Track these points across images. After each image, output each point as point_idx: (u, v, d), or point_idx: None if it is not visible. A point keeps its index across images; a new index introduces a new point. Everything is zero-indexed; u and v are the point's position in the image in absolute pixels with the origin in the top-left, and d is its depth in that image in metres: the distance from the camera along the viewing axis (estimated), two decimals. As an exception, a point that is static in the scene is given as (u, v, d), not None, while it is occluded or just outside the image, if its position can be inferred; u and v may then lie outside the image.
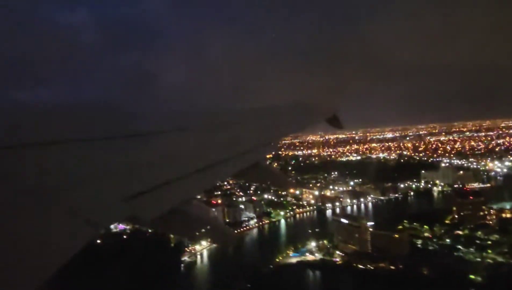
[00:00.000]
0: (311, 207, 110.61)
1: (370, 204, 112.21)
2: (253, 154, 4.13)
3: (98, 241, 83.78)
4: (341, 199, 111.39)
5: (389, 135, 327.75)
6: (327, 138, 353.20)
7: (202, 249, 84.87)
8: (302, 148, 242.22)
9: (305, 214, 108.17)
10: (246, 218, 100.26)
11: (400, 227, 78.56)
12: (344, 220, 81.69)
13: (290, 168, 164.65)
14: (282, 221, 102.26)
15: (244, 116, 5.62)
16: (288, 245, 79.73)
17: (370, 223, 74.37)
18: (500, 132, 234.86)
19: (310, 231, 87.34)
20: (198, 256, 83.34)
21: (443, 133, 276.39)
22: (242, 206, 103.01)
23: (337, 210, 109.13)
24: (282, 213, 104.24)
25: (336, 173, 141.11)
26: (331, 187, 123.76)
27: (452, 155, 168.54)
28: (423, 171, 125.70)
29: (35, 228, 1.57)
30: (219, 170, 3.35)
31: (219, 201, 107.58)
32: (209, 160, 3.25)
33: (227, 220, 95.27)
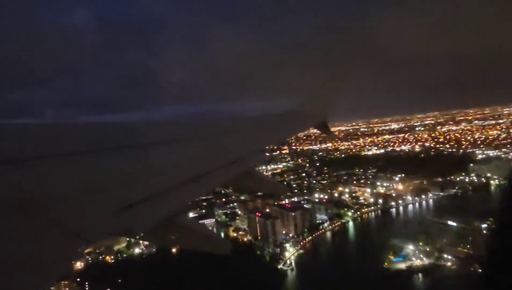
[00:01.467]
0: (374, 207, 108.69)
1: (431, 201, 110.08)
2: (243, 162, 4.30)
3: (174, 249, 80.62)
4: (403, 197, 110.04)
5: (395, 126, 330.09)
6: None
7: (290, 255, 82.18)
8: (310, 142, 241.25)
9: (370, 214, 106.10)
10: (320, 221, 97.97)
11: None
12: (451, 222, 79.73)
13: (318, 164, 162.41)
14: (351, 223, 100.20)
15: (234, 124, 5.86)
16: (381, 249, 77.52)
17: (484, 225, 73.20)
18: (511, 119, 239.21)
19: (393, 232, 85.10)
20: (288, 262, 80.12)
21: (451, 122, 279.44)
22: (307, 206, 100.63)
23: (401, 208, 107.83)
24: (349, 213, 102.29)
25: (371, 168, 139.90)
26: (378, 183, 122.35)
27: (481, 146, 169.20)
28: (471, 165, 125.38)
29: (23, 243, 1.57)
30: (209, 179, 3.44)
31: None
32: (199, 170, 3.37)
33: (302, 224, 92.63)
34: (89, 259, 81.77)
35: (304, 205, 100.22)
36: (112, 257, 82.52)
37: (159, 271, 72.56)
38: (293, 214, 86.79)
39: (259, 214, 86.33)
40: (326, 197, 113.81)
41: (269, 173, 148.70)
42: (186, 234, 3.07)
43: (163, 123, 4.82)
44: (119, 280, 69.18)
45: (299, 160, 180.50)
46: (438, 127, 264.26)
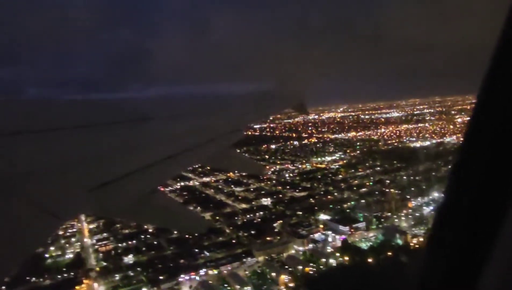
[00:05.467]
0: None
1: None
2: (220, 141, 4.68)
3: (370, 259, 77.77)
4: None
5: (395, 113, 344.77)
6: (325, 117, 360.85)
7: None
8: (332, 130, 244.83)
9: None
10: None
11: None
12: None
13: (376, 156, 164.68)
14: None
15: (211, 103, 6.42)
16: None
17: None
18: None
19: None
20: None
21: (454, 112, 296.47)
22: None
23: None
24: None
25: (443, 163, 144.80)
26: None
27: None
28: None
29: None
30: (185, 157, 3.70)
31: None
32: (175, 148, 3.62)
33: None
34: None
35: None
36: (309, 268, 78.16)
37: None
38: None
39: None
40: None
41: (336, 166, 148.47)
42: (162, 211, 3.11)
43: (141, 100, 5.08)
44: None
45: (347, 150, 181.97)
46: (449, 117, 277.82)
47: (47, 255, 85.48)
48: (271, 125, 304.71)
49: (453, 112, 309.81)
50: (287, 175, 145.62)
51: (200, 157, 4.17)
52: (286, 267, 77.87)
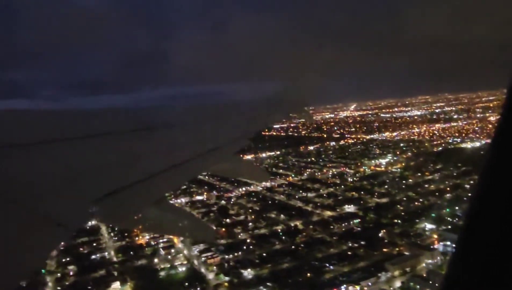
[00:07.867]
0: None
1: None
2: (225, 149, 4.80)
3: None
4: None
5: (415, 112, 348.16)
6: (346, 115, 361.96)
7: None
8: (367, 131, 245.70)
9: None
10: None
11: None
12: None
13: (434, 159, 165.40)
14: None
15: (215, 112, 6.59)
16: None
17: None
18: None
19: None
20: None
21: (479, 110, 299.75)
22: None
23: None
24: None
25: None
26: None
27: None
28: None
29: (4, 232, 1.74)
30: (191, 166, 3.81)
31: None
32: (180, 157, 3.75)
33: None
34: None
35: None
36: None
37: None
38: None
39: None
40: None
41: (396, 169, 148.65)
42: (170, 221, 3.28)
43: (143, 109, 5.37)
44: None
45: (396, 152, 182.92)
46: (478, 115, 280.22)
47: (157, 268, 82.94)
48: (291, 125, 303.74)
49: (477, 110, 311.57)
50: (350, 179, 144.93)
51: (206, 166, 4.26)
52: (431, 282, 76.45)
